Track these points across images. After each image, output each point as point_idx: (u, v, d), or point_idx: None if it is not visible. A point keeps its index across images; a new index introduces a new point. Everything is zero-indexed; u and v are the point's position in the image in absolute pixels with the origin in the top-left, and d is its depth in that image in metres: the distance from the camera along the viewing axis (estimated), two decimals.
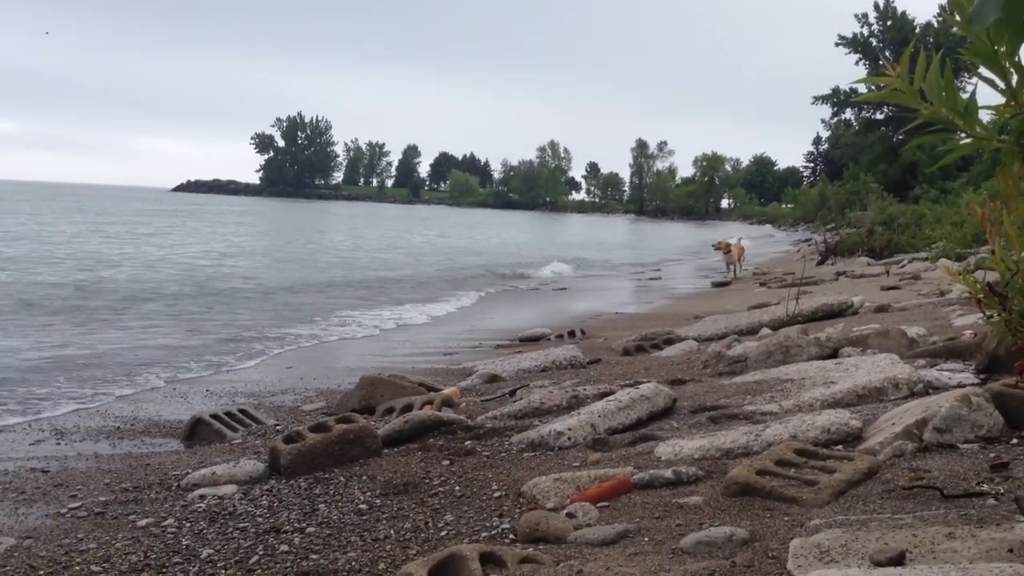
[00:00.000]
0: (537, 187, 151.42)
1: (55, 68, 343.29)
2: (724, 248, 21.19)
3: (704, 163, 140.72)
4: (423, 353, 9.99)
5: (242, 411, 6.24)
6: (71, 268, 20.08)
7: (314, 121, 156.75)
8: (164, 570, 3.25)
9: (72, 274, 18.64)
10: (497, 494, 3.81)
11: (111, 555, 3.43)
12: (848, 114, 69.07)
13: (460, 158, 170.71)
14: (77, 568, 3.31)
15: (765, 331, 8.53)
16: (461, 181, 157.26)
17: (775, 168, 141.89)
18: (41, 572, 3.30)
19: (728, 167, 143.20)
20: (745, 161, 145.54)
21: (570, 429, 4.49)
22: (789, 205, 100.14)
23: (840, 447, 3.78)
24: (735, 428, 4.19)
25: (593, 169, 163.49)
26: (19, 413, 6.76)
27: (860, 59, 63.72)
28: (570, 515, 3.36)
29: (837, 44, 64.79)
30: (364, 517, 3.69)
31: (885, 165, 55.87)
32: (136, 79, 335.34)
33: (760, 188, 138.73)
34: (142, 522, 3.86)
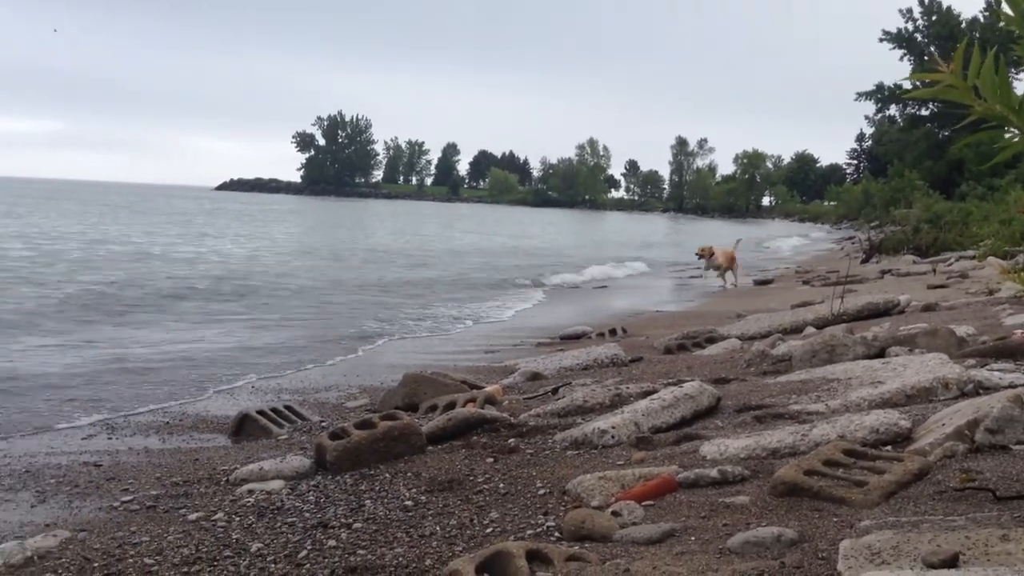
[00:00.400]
0: (576, 185, 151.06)
1: (100, 68, 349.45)
2: (707, 254, 18.01)
3: (745, 160, 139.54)
4: (465, 351, 10.03)
5: (287, 407, 6.31)
6: (136, 267, 20.31)
7: (354, 120, 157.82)
8: (215, 563, 3.30)
9: (140, 273, 18.80)
10: (541, 492, 3.82)
11: (163, 548, 3.49)
12: (892, 110, 68.08)
13: (499, 156, 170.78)
14: (131, 561, 3.38)
15: (810, 330, 8.46)
16: (500, 179, 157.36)
17: (817, 165, 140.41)
18: (95, 564, 3.37)
19: (769, 164, 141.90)
20: (787, 158, 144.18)
21: (614, 427, 4.49)
22: (832, 202, 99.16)
23: (889, 448, 3.74)
24: (781, 428, 4.16)
25: (632, 167, 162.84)
26: (86, 412, 6.87)
27: (905, 55, 62.82)
28: (615, 513, 3.36)
29: (881, 39, 63.90)
30: (410, 513, 3.71)
31: (931, 162, 55.06)
32: (180, 78, 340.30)
33: (802, 185, 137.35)
34: (193, 516, 3.92)
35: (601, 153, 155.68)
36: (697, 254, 18.10)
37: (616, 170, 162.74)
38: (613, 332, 10.42)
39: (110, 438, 5.94)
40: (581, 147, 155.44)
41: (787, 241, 48.07)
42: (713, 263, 17.74)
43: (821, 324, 8.74)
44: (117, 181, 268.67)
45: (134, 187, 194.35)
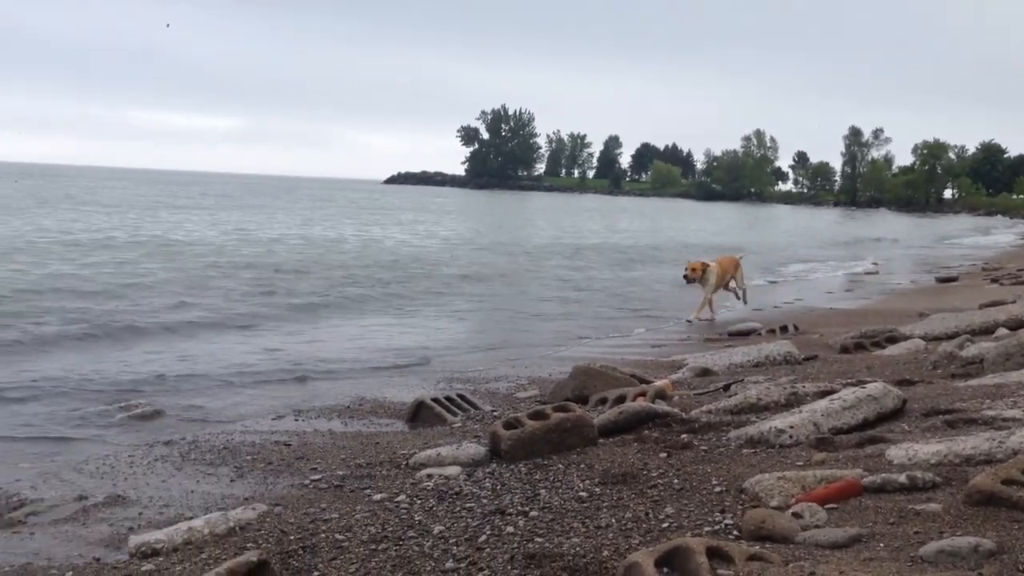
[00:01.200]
0: (741, 177, 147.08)
1: (281, 67, 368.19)
2: (699, 273, 12.40)
3: (924, 151, 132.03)
4: (631, 344, 10.03)
5: (460, 396, 6.50)
6: (324, 256, 21.20)
7: (517, 114, 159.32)
8: (401, 542, 3.45)
9: (327, 263, 19.52)
10: (717, 489, 3.78)
11: (352, 525, 3.68)
12: None
13: (662, 148, 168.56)
14: (323, 536, 3.57)
15: (1002, 331, 7.95)
16: (663, 172, 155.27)
17: (1005, 156, 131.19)
18: (291, 537, 3.59)
19: (952, 155, 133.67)
20: (971, 148, 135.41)
21: (791, 427, 4.38)
22: (1022, 196, 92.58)
23: None
24: (975, 434, 3.95)
25: (801, 158, 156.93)
26: (274, 395, 7.32)
27: None
28: (796, 515, 3.29)
29: None
30: (584, 504, 3.76)
31: None
32: (352, 76, 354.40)
33: (988, 177, 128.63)
34: (377, 496, 4.11)
35: (768, 144, 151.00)
36: (686, 275, 12.54)
37: (784, 162, 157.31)
38: (784, 329, 10.16)
39: (297, 420, 6.29)
40: (747, 138, 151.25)
41: (971, 237, 45.20)
42: (707, 280, 12.38)
43: (1015, 325, 8.20)
44: (294, 175, 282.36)
45: (310, 181, 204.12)
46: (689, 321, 12.07)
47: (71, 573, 3.58)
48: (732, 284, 13.25)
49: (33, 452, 5.52)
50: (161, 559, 3.57)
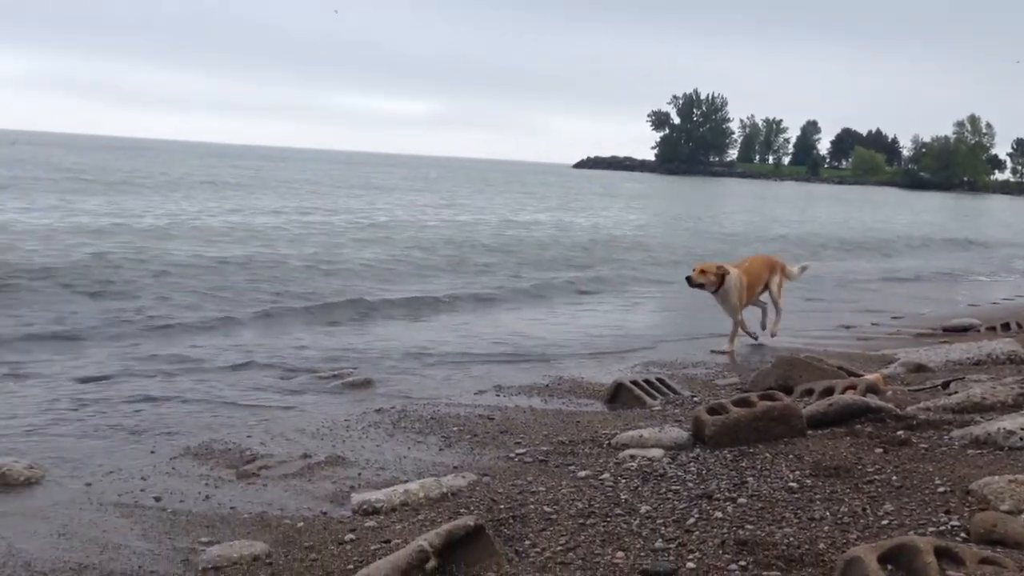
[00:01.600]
0: (953, 165, 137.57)
1: (473, 52, 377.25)
2: (709, 277, 8.60)
3: None
4: (836, 336, 9.64)
5: (659, 380, 6.48)
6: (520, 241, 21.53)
7: (710, 98, 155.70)
8: (608, 519, 3.49)
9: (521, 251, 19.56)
10: (941, 489, 3.60)
11: (559, 499, 3.76)
12: None
13: (864, 134, 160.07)
14: (531, 507, 3.67)
15: None
16: (865, 158, 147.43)
17: None
18: (501, 506, 3.71)
19: None
20: None
21: (1022, 429, 4.10)
22: None
23: None
24: None
25: (1021, 145, 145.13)
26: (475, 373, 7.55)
27: None
28: None
29: None
30: (795, 495, 3.67)
31: None
32: (544, 61, 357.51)
33: None
34: (582, 473, 4.18)
35: (984, 131, 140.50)
36: (694, 279, 8.64)
37: (1001, 149, 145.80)
38: (1006, 326, 9.48)
39: (498, 395, 6.47)
40: (960, 124, 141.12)
41: None
42: (725, 295, 8.66)
43: None
44: (485, 158, 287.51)
45: (503, 163, 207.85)
46: (721, 352, 8.51)
47: (302, 524, 3.85)
48: (768, 294, 9.27)
49: (259, 414, 5.94)
50: (381, 517, 3.79)
